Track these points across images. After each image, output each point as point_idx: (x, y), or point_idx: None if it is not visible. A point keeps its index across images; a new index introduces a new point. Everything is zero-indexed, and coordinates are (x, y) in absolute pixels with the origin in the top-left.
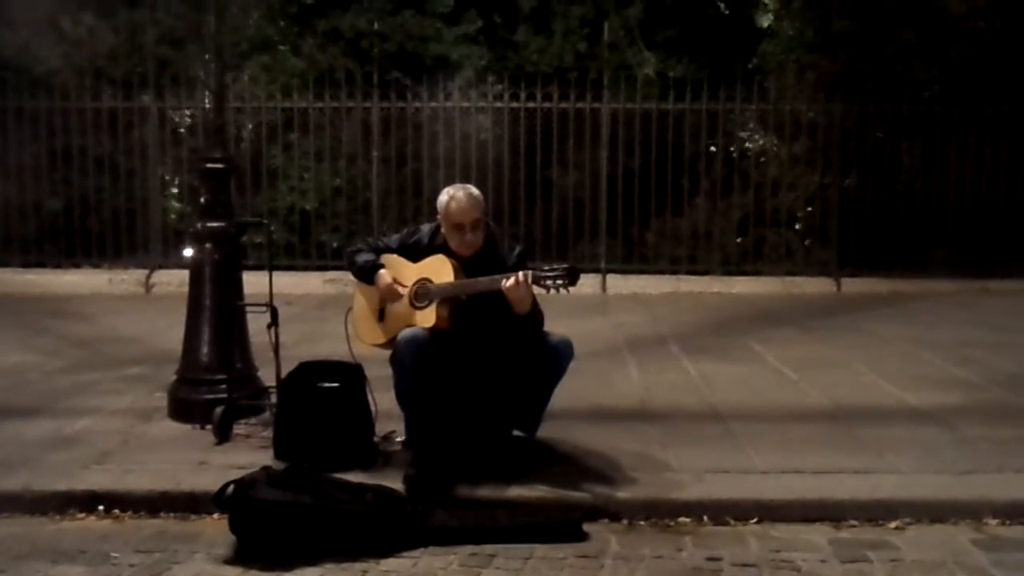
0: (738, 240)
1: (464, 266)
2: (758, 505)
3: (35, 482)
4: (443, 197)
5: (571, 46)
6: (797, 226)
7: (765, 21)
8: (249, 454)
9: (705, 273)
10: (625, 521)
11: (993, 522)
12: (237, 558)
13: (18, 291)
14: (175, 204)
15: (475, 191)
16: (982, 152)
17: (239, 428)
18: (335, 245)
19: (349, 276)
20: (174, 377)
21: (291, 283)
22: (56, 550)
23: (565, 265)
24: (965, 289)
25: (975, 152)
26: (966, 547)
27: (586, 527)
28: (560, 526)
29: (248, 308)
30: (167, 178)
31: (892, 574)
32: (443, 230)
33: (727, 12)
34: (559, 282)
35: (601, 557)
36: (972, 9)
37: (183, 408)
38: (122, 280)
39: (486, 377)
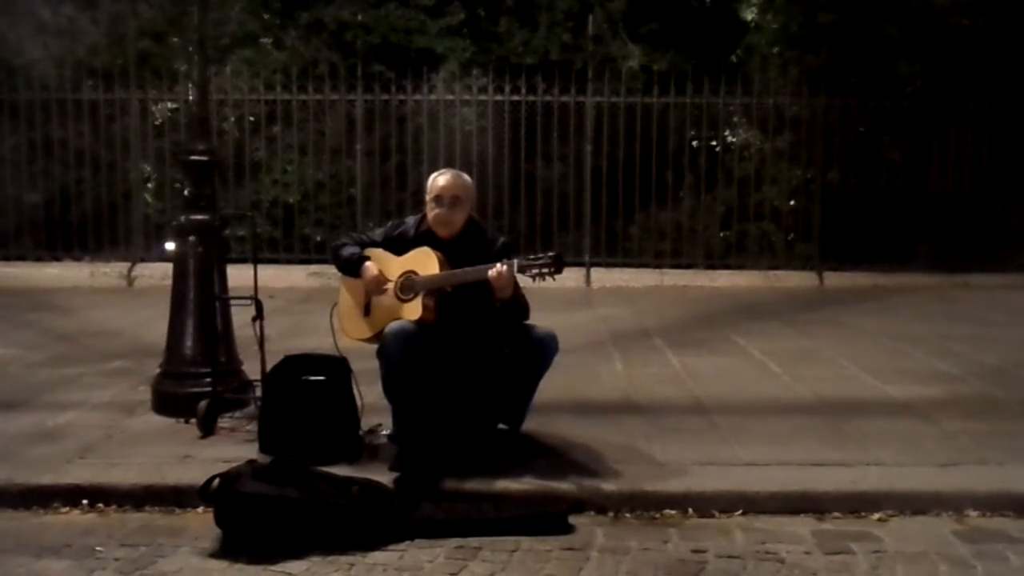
0: (722, 234)
1: (448, 253)
2: (743, 497)
3: (18, 476)
4: (433, 174)
5: (556, 39)
6: (782, 218)
7: (749, 14)
8: (234, 448)
9: (689, 267)
10: (611, 513)
11: (974, 514)
12: (222, 552)
13: None
14: (155, 199)
15: (466, 176)
16: (964, 148)
17: (224, 422)
18: (319, 238)
19: (333, 269)
20: (158, 370)
21: (274, 276)
22: (40, 544)
23: (551, 253)
24: (946, 283)
25: (957, 148)
26: (948, 539)
27: (572, 520)
28: (546, 519)
29: (232, 301)
30: (149, 170)
31: (875, 566)
32: (427, 211)
33: (710, 5)
34: (544, 270)
35: (587, 549)
36: (956, 5)
37: (167, 402)
38: (104, 273)
39: (472, 369)
